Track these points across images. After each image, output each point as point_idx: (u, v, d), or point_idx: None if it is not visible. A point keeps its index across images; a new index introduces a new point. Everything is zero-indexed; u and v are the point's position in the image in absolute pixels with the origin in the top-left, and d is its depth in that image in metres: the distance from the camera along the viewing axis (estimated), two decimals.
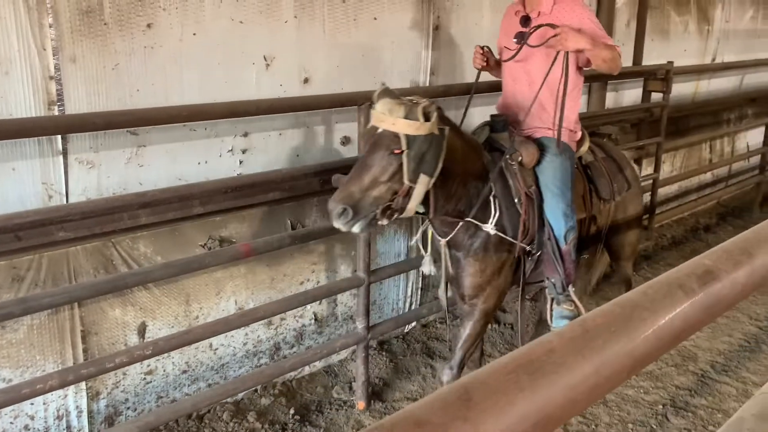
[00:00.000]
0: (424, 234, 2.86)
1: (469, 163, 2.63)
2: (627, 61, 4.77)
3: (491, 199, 2.68)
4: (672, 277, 0.69)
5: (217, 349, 3.12)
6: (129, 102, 2.59)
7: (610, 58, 2.73)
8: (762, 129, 6.47)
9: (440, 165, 2.38)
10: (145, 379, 2.91)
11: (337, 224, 2.35)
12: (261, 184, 2.89)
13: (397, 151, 2.31)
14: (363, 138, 2.59)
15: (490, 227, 2.66)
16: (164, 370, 2.96)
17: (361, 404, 3.23)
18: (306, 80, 3.12)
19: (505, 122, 2.87)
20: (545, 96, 2.78)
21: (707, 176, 6.32)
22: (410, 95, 2.48)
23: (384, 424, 0.46)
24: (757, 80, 6.55)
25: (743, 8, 6.13)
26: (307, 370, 3.43)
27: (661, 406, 3.30)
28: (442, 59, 3.66)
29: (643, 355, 0.59)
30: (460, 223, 2.66)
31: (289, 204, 3.22)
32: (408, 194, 2.38)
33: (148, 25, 2.58)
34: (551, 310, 3.00)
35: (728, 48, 6.03)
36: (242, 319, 2.83)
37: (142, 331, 2.86)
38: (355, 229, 2.37)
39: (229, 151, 2.96)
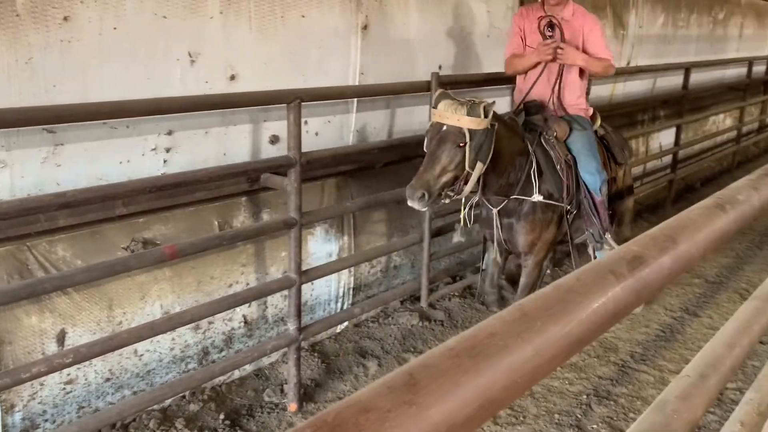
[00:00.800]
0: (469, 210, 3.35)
1: (513, 146, 3.19)
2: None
3: (533, 172, 3.25)
4: (603, 264, 0.71)
5: (142, 355, 3.01)
6: (45, 98, 2.46)
7: (602, 68, 3.52)
8: (673, 130, 6.84)
9: (491, 152, 2.91)
10: (64, 389, 2.77)
11: (415, 206, 2.93)
12: (186, 184, 2.82)
13: (461, 144, 2.84)
14: (428, 133, 3.03)
15: (536, 197, 3.26)
16: (86, 379, 2.83)
17: (293, 406, 3.20)
18: (233, 77, 3.06)
19: (538, 106, 3.51)
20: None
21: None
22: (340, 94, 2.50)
23: (329, 412, 0.45)
24: (668, 83, 6.91)
25: (655, 15, 6.46)
26: (237, 374, 3.36)
27: (585, 396, 3.42)
28: (372, 59, 3.67)
29: (578, 337, 0.60)
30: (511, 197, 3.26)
31: (216, 204, 3.15)
32: (466, 179, 2.91)
33: (65, 18, 2.46)
34: (594, 257, 3.55)
35: (642, 52, 6.34)
36: (168, 324, 2.75)
37: (61, 338, 2.72)
38: (424, 208, 2.96)
39: (152, 149, 2.87)
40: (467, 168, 2.86)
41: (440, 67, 4.13)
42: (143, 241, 2.92)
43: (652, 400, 3.40)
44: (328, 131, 3.60)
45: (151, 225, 2.95)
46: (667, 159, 7.09)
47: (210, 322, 3.22)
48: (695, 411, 0.96)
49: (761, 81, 9.43)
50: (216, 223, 3.17)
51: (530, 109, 3.50)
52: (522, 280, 3.63)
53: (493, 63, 4.57)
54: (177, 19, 2.81)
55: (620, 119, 6.35)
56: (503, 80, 4.51)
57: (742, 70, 8.68)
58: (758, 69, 9.12)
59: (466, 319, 4.24)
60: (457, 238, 3.43)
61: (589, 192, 3.42)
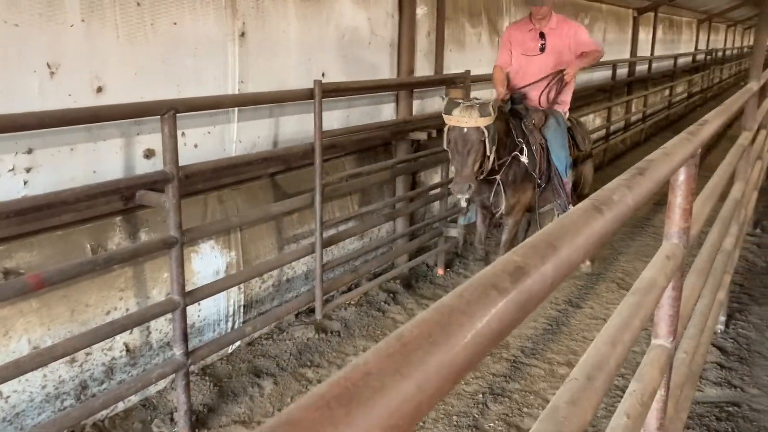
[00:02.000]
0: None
1: (502, 129, 3.91)
2: (429, 70, 5.01)
3: (519, 143, 4.07)
4: (485, 277, 0.67)
5: (8, 396, 2.72)
6: None
7: (594, 58, 4.36)
8: None
9: (497, 137, 3.74)
10: None
11: (464, 197, 3.70)
12: (52, 206, 2.58)
13: (482, 140, 3.62)
14: (449, 135, 3.72)
15: (525, 159, 4.06)
16: None
17: None
18: (100, 89, 2.85)
19: (521, 97, 4.33)
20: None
21: None
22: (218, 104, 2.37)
23: None
24: None
25: None
26: (121, 406, 3.13)
27: (481, 395, 3.48)
28: (252, 67, 3.56)
29: (464, 363, 0.55)
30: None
31: (87, 226, 2.91)
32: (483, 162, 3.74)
33: None
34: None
35: None
36: (38, 360, 2.49)
37: None
38: (469, 196, 3.73)
39: (9, 170, 2.61)
40: (489, 155, 3.70)
41: (323, 75, 4.08)
42: (4, 271, 2.65)
43: (544, 393, 3.51)
44: (208, 142, 3.44)
45: (13, 252, 2.68)
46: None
47: (87, 354, 2.97)
48: (585, 414, 0.95)
49: (624, 82, 10.13)
50: (88, 246, 2.93)
51: (515, 99, 4.31)
52: (503, 237, 4.46)
53: (375, 70, 4.58)
54: (31, 28, 2.58)
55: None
56: (387, 87, 4.55)
57: (607, 73, 9.29)
58: (621, 71, 9.79)
59: (362, 327, 4.20)
60: (463, 220, 4.71)
61: (558, 173, 4.30)
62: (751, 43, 30.95)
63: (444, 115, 3.72)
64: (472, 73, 4.84)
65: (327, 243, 3.88)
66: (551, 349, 4.00)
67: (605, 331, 1.24)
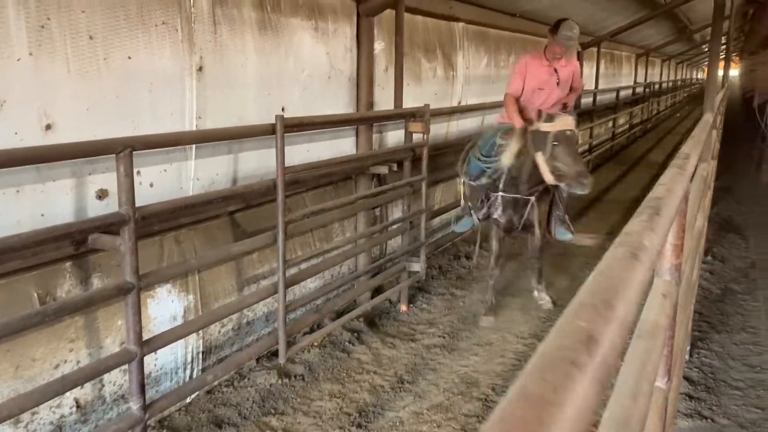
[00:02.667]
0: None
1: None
2: (389, 104, 4.97)
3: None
4: (560, 351, 0.58)
5: None
6: None
7: (579, 92, 5.12)
8: None
9: None
10: None
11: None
12: None
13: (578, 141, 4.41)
14: (553, 139, 4.13)
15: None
16: None
17: None
18: (48, 127, 2.67)
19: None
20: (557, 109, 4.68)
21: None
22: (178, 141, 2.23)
23: None
24: (493, 120, 7.31)
25: (479, 56, 6.84)
26: None
27: None
28: (210, 102, 3.43)
29: None
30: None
31: (34, 273, 2.70)
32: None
33: None
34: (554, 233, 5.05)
35: (471, 92, 6.66)
36: None
37: None
38: None
39: None
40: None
41: (283, 109, 3.98)
42: None
43: None
44: (164, 181, 3.28)
45: None
46: None
47: (34, 413, 2.73)
48: None
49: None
50: (35, 295, 2.71)
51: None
52: (536, 245, 4.99)
53: (335, 104, 4.51)
54: None
55: (456, 155, 6.59)
56: (349, 121, 4.48)
57: None
58: None
59: (327, 370, 4.04)
60: (460, 228, 5.20)
61: (560, 189, 4.75)
62: (683, 76, 32.52)
63: (544, 124, 4.15)
64: (430, 107, 4.82)
65: (290, 282, 3.74)
66: None
67: (623, 384, 1.16)
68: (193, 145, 3.36)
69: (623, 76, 15.66)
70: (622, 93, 14.57)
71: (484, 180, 4.66)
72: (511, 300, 5.31)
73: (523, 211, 4.62)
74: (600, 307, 0.67)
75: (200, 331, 3.48)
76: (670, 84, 26.13)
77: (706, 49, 25.73)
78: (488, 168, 4.55)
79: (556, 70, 4.69)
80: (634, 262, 0.83)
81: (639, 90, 17.26)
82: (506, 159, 4.33)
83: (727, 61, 5.84)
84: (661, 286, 1.72)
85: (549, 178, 4.24)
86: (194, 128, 3.35)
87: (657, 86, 21.11)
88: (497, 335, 4.63)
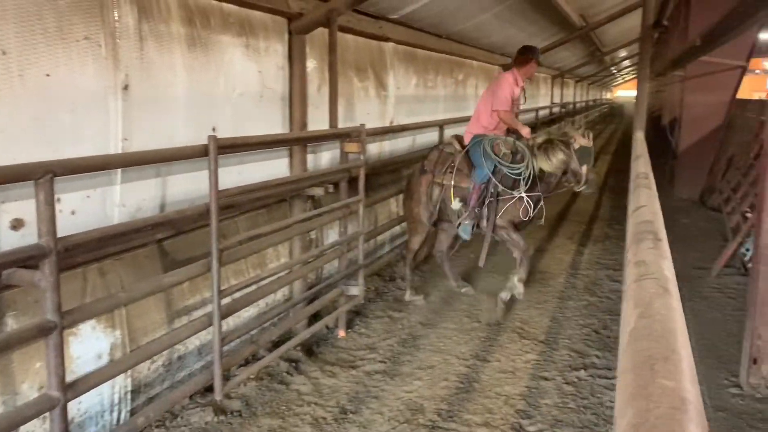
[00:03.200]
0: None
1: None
2: (322, 124, 4.86)
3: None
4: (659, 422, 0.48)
5: None
6: None
7: None
8: None
9: None
10: None
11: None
12: None
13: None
14: (579, 152, 5.05)
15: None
16: None
17: None
18: None
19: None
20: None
21: (397, 229, 6.78)
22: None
23: None
24: (425, 140, 7.34)
25: (409, 77, 6.85)
26: None
27: None
28: (136, 122, 3.21)
29: None
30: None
31: None
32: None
33: None
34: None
35: (401, 111, 6.65)
36: None
37: None
38: None
39: None
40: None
41: (214, 129, 3.80)
42: None
43: None
44: (87, 208, 3.03)
45: None
46: None
47: None
48: None
49: None
50: None
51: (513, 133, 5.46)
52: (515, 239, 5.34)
53: (267, 124, 4.36)
54: None
55: (389, 175, 6.54)
56: (283, 142, 4.35)
57: None
58: None
59: (265, 404, 3.84)
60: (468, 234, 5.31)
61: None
62: (594, 96, 34.13)
63: (588, 141, 5.08)
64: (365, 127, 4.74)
65: (225, 313, 3.53)
66: (467, 409, 3.86)
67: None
68: (119, 169, 3.13)
69: (541, 97, 16.22)
70: (541, 112, 15.07)
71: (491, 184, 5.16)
72: (450, 320, 5.27)
73: (535, 208, 5.27)
74: (663, 347, 0.59)
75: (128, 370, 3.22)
76: (583, 104, 27.35)
77: (615, 71, 27.17)
78: (515, 173, 5.09)
79: (523, 89, 5.58)
80: (666, 295, 0.76)
81: (555, 110, 17.92)
82: (549, 166, 5.08)
83: (639, 83, 6.20)
84: None
85: (581, 185, 5.20)
86: (120, 150, 3.12)
87: (572, 106, 22.01)
88: (439, 357, 4.56)
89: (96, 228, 2.86)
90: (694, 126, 11.01)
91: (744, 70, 10.53)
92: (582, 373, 4.33)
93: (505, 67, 10.75)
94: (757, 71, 32.83)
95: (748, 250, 6.71)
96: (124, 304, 3.14)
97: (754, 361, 3.97)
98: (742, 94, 11.99)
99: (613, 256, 7.34)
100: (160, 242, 3.52)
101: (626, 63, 26.91)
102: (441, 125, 6.88)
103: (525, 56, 5.49)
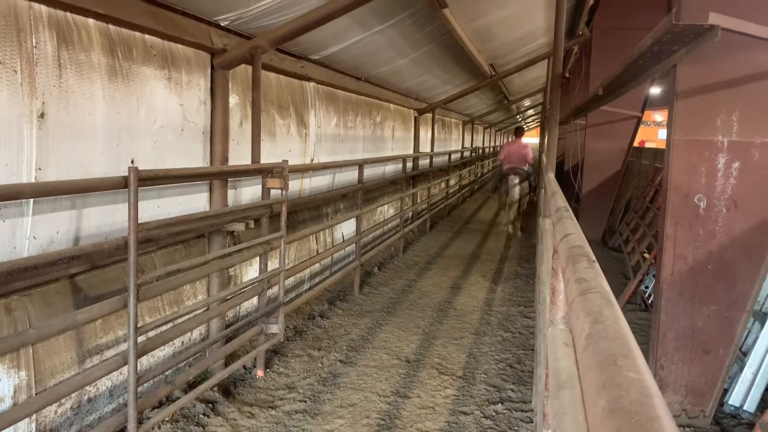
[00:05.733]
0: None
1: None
2: (243, 159, 4.83)
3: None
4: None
5: None
6: None
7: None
8: (353, 221, 7.30)
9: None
10: None
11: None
12: None
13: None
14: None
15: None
16: None
17: None
18: None
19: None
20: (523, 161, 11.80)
21: (316, 266, 6.76)
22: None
23: None
24: (345, 178, 7.41)
25: (329, 116, 6.93)
26: None
27: None
28: (52, 152, 3.08)
29: None
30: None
31: None
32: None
33: None
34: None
35: (322, 150, 6.70)
36: None
37: None
38: None
39: None
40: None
41: (133, 161, 3.70)
42: None
43: None
44: None
45: None
46: (351, 248, 7.52)
47: None
48: None
49: (410, 176, 10.84)
50: None
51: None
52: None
53: (188, 158, 4.28)
54: None
55: (309, 212, 6.54)
56: (206, 176, 4.28)
57: (398, 166, 9.88)
58: (409, 165, 10.49)
59: None
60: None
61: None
62: (502, 142, 35.61)
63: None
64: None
65: (140, 352, 3.38)
66: None
67: None
68: (31, 200, 2.98)
69: (453, 141, 16.77)
70: (453, 156, 15.57)
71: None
72: (370, 358, 5.27)
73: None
74: (619, 361, 0.64)
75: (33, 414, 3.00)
76: (492, 149, 28.47)
77: (520, 119, 28.56)
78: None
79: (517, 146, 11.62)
80: (613, 308, 0.82)
81: (467, 154, 18.56)
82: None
83: (551, 128, 6.62)
84: (558, 335, 1.77)
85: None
86: (33, 180, 2.97)
87: (481, 151, 22.87)
88: (359, 395, 4.54)
89: (3, 261, 2.70)
90: (595, 171, 11.74)
91: (639, 120, 11.38)
92: (499, 407, 4.42)
93: (420, 112, 11.10)
94: (649, 122, 35.53)
95: (647, 287, 7.15)
96: (33, 343, 2.95)
97: None
98: (636, 143, 12.92)
99: (524, 294, 7.60)
100: (73, 277, 3.35)
101: (531, 112, 28.35)
102: (361, 164, 6.97)
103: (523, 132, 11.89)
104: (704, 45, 3.65)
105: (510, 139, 13.07)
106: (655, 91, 15.59)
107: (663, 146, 5.22)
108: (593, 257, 1.22)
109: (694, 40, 3.65)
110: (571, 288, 1.02)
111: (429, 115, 12.33)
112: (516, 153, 11.91)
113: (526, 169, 12.19)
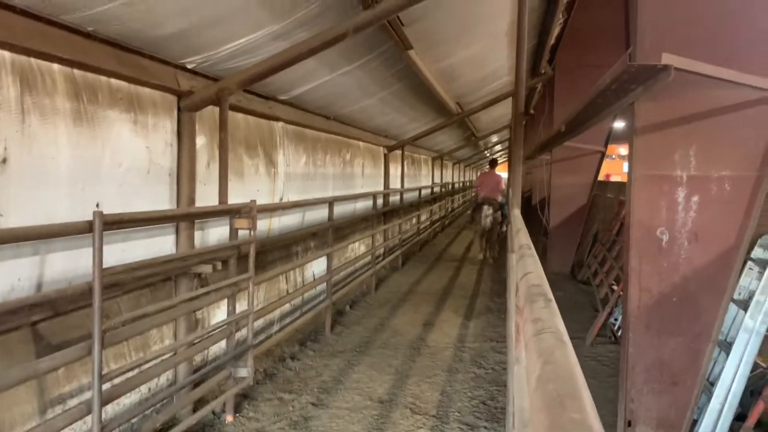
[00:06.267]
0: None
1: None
2: (211, 200, 4.82)
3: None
4: None
5: None
6: None
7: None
8: (324, 259, 7.29)
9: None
10: None
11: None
12: None
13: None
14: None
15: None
16: None
17: None
18: None
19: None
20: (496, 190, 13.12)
21: (286, 307, 6.71)
22: None
23: None
24: (314, 217, 7.42)
25: (299, 155, 6.98)
26: None
27: None
28: (14, 197, 3.05)
29: None
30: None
31: None
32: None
33: None
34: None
35: (291, 188, 6.72)
36: None
37: None
38: None
39: None
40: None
41: (98, 205, 3.67)
42: None
43: None
44: None
45: None
46: (322, 287, 7.49)
47: None
48: None
49: (381, 212, 10.90)
50: None
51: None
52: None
53: (154, 200, 4.27)
54: None
55: (279, 252, 6.52)
56: (171, 218, 4.26)
57: (369, 203, 9.93)
58: (379, 201, 10.56)
59: None
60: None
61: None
62: (470, 177, 36.06)
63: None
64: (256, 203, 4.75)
65: (105, 400, 3.30)
66: None
67: None
68: None
69: (423, 177, 16.95)
70: (423, 192, 15.72)
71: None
72: (342, 399, 5.21)
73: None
74: (566, 402, 0.67)
75: None
76: (461, 184, 28.81)
77: (488, 154, 29.02)
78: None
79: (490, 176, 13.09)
80: (565, 348, 0.85)
81: (436, 189, 18.76)
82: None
83: (515, 163, 6.79)
84: (524, 373, 1.79)
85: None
86: None
87: (450, 186, 23.13)
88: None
89: None
90: (562, 205, 11.96)
91: (603, 155, 11.67)
92: None
93: (389, 149, 11.23)
94: (614, 156, 36.31)
95: (616, 319, 7.24)
96: None
97: (629, 424, 4.24)
98: (602, 177, 13.23)
99: (496, 329, 7.64)
100: (36, 324, 3.28)
101: (498, 147, 28.85)
102: (331, 202, 7.01)
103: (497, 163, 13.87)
104: (659, 83, 3.80)
105: (486, 170, 13.97)
106: (618, 125, 16.06)
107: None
108: (550, 296, 1.26)
109: (650, 79, 3.80)
110: (528, 328, 1.05)
111: (398, 152, 12.48)
112: (489, 183, 13.19)
113: (499, 199, 13.04)
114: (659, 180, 4.20)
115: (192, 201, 4.62)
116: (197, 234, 4.77)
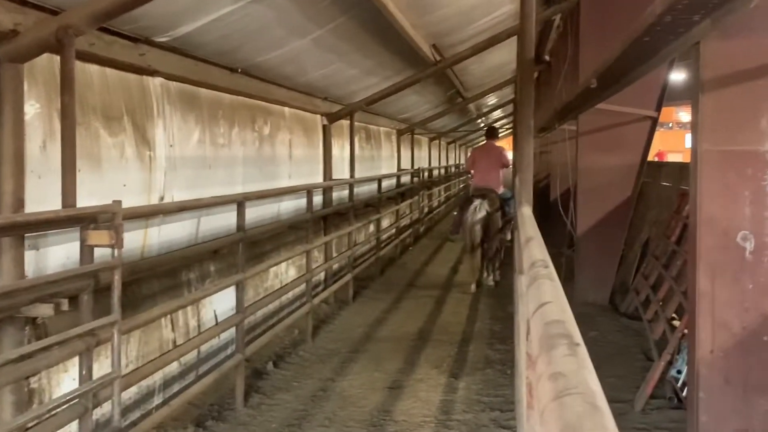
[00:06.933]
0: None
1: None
2: (54, 201, 4.71)
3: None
4: None
5: None
6: None
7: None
8: (232, 291, 7.21)
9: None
10: None
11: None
12: None
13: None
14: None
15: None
16: None
17: None
18: None
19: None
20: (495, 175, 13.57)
21: (173, 366, 6.62)
22: None
23: None
24: (216, 224, 7.35)
25: (189, 129, 6.91)
26: None
27: None
28: None
29: None
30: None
31: None
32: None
33: None
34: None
35: (178, 181, 6.64)
36: None
37: None
38: None
39: None
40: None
41: None
42: None
43: None
44: None
45: None
46: (229, 334, 7.42)
47: None
48: None
49: (321, 216, 10.83)
50: None
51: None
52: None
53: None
54: None
55: (160, 281, 6.43)
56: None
57: (300, 202, 9.87)
58: (317, 199, 10.51)
59: None
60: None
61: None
62: (458, 161, 36.38)
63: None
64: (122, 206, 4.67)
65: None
66: None
67: None
68: None
69: (384, 161, 17.01)
70: (385, 183, 15.74)
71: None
72: None
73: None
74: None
75: None
76: (443, 171, 29.00)
77: (483, 125, 29.21)
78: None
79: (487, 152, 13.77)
80: (599, 416, 0.83)
81: (405, 179, 18.82)
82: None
83: (523, 137, 6.69)
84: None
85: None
86: None
87: (427, 174, 23.25)
88: None
89: None
90: (595, 199, 11.91)
91: (655, 123, 11.76)
92: None
93: (330, 119, 11.24)
94: (670, 124, 36.68)
95: (680, 372, 7.33)
96: None
97: None
98: (653, 155, 13.37)
99: (499, 391, 7.67)
100: None
101: (498, 113, 29.14)
102: (241, 201, 6.90)
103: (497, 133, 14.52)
104: (736, 13, 3.85)
105: (481, 143, 13.64)
106: (676, 78, 16.36)
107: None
108: (578, 338, 1.24)
109: (722, 5, 3.84)
110: (544, 387, 1.03)
111: (345, 122, 12.48)
112: (485, 163, 12.96)
113: (500, 191, 12.74)
114: (739, 158, 4.26)
115: (20, 203, 4.52)
116: (29, 255, 4.67)
